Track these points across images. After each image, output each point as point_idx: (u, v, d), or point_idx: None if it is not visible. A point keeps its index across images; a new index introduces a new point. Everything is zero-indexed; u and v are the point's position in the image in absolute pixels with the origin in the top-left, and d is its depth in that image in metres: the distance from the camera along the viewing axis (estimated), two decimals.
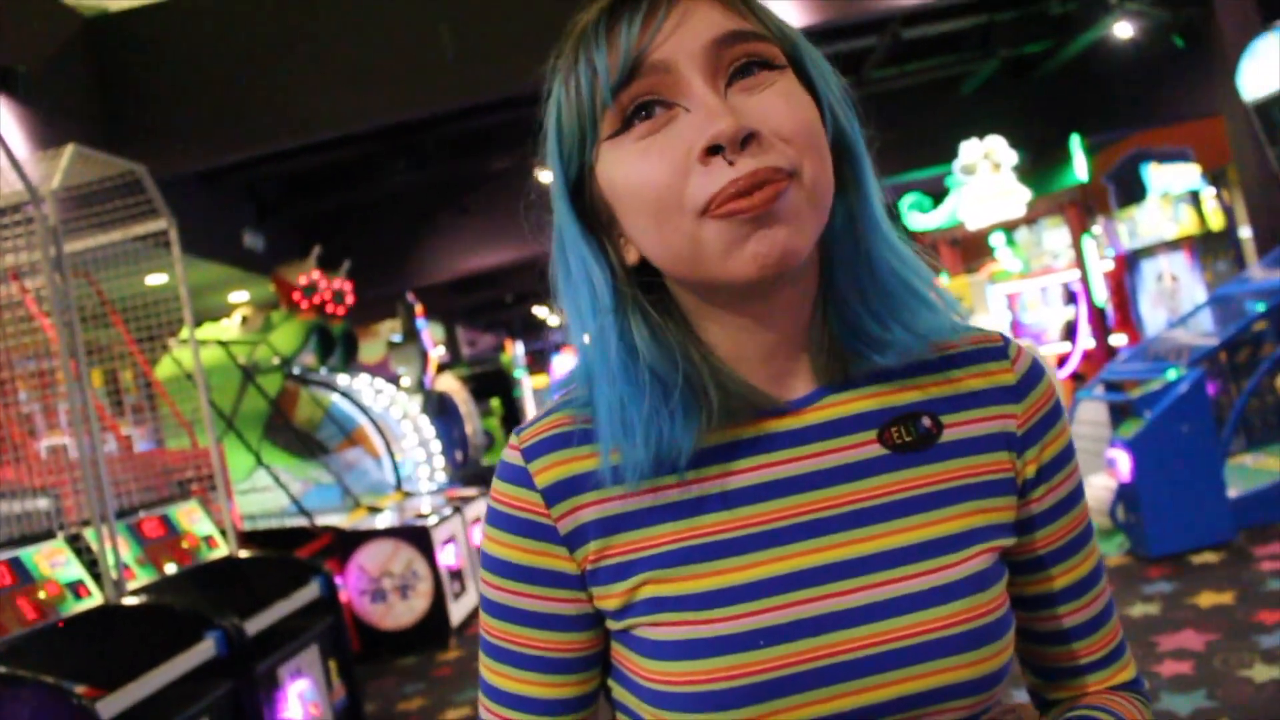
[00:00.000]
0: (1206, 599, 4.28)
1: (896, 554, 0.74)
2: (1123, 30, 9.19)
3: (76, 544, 3.51)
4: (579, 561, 0.77)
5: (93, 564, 3.47)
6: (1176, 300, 8.77)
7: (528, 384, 16.23)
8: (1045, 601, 0.83)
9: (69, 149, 3.78)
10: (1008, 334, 0.83)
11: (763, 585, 0.73)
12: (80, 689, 2.65)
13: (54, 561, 3.35)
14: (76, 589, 3.33)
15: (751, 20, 0.73)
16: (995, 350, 0.81)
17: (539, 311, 21.18)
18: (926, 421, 0.78)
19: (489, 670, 0.81)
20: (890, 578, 0.73)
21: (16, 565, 3.20)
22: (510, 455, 0.80)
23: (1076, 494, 0.83)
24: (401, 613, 5.98)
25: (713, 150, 0.68)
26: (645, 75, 0.71)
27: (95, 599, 3.37)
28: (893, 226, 0.80)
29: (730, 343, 0.77)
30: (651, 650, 0.74)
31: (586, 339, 0.78)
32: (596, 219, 0.78)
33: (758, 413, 0.78)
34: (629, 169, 0.72)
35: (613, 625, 0.78)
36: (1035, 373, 0.82)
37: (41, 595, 3.19)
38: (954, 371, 0.80)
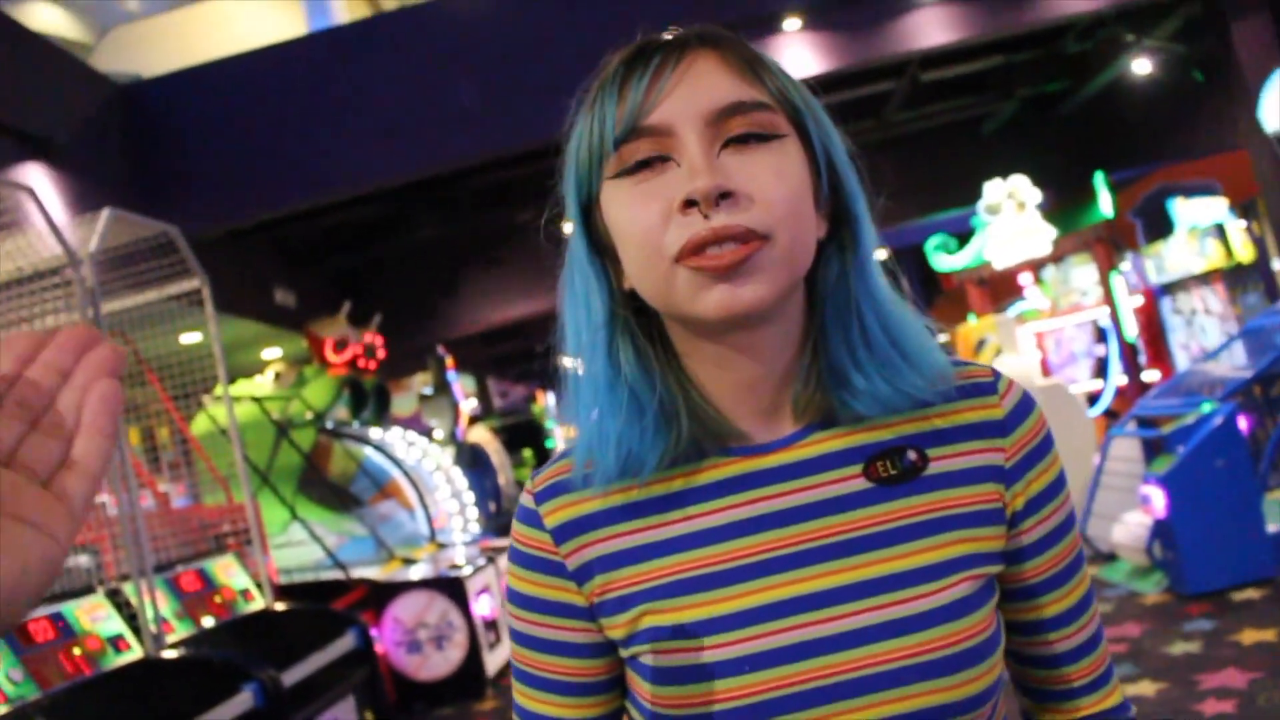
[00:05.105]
0: (1249, 636, 4.21)
1: (880, 582, 0.77)
2: (1141, 67, 9.23)
3: (116, 599, 3.56)
4: (587, 595, 0.83)
5: (132, 618, 3.52)
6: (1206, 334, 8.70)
7: (560, 435, 16.25)
8: (1037, 628, 0.86)
9: (104, 213, 3.86)
10: (998, 369, 0.86)
11: (751, 614, 0.77)
12: None
13: (94, 616, 3.40)
14: (117, 643, 3.38)
15: (757, 87, 0.77)
16: (984, 386, 0.84)
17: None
18: (912, 455, 0.80)
19: (520, 694, 0.88)
20: (874, 604, 0.76)
21: (58, 620, 3.25)
22: (525, 499, 0.87)
23: (1066, 524, 0.85)
24: (437, 663, 5.98)
25: (690, 203, 0.73)
26: (646, 135, 0.76)
27: (135, 652, 3.41)
28: (890, 285, 0.83)
29: (713, 379, 0.81)
30: (654, 676, 0.79)
31: (579, 366, 0.83)
32: (601, 244, 0.83)
33: (746, 450, 0.82)
34: (623, 210, 0.77)
35: (623, 653, 0.83)
36: (1024, 407, 0.84)
37: (83, 649, 3.24)
38: (942, 407, 0.82)
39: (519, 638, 0.87)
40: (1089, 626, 0.87)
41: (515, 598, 0.86)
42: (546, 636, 0.85)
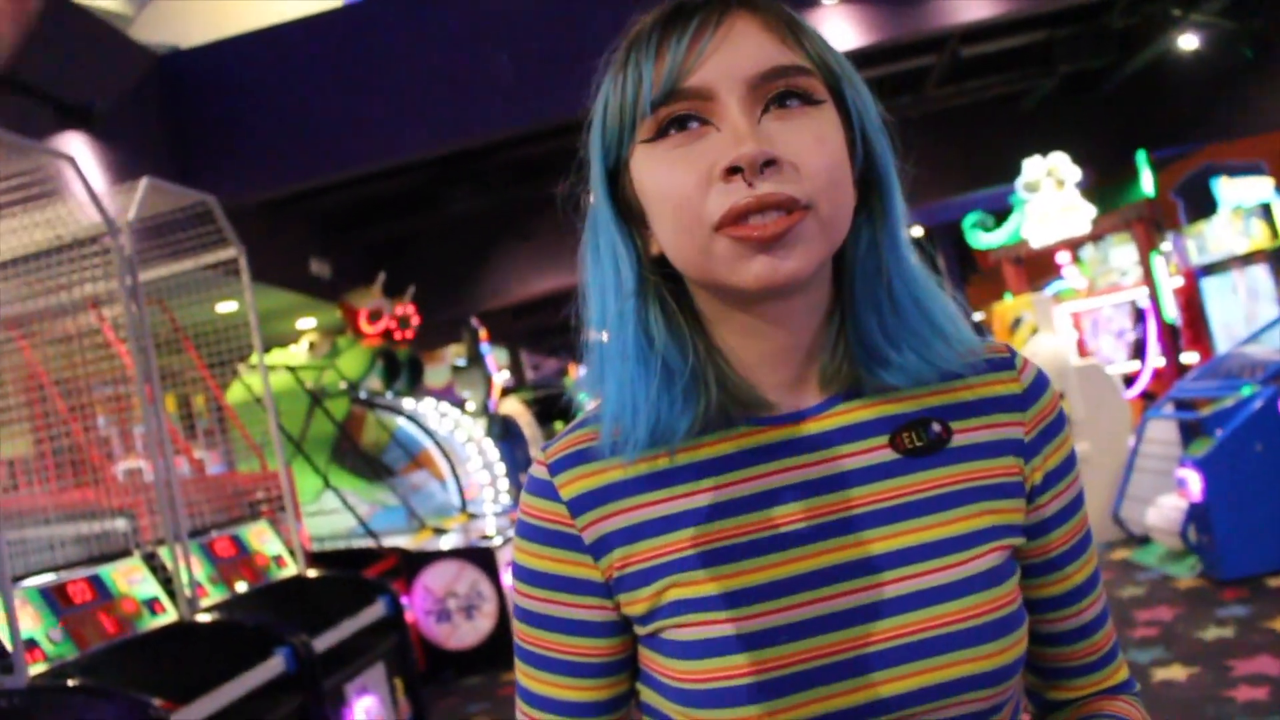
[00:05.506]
0: None
1: (911, 552, 0.76)
2: (1187, 43, 9.05)
3: (152, 562, 3.61)
4: (604, 570, 0.80)
5: (168, 582, 3.57)
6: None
7: (592, 408, 16.28)
8: (1061, 601, 0.86)
9: (143, 182, 3.88)
10: (1015, 348, 0.86)
11: (783, 584, 0.76)
12: (157, 701, 2.73)
13: (131, 579, 3.46)
14: (153, 605, 3.43)
15: (796, 51, 0.76)
16: (1002, 362, 0.84)
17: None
18: (936, 427, 0.80)
19: (524, 675, 0.85)
20: (907, 574, 0.76)
21: (96, 582, 3.31)
22: (537, 470, 0.84)
23: (1081, 497, 0.87)
24: (466, 633, 6.04)
25: (734, 170, 0.71)
26: (685, 97, 0.74)
27: (170, 615, 3.47)
28: (918, 258, 0.82)
29: (741, 348, 0.80)
30: (678, 651, 0.77)
31: (605, 335, 0.81)
32: (629, 210, 0.81)
33: (774, 420, 0.81)
34: (658, 175, 0.75)
35: (640, 630, 0.81)
36: (1040, 384, 0.85)
37: (119, 611, 3.30)
38: (967, 379, 0.82)
39: (526, 615, 0.83)
40: (1100, 600, 0.89)
41: (525, 574, 0.83)
42: (557, 614, 0.82)
